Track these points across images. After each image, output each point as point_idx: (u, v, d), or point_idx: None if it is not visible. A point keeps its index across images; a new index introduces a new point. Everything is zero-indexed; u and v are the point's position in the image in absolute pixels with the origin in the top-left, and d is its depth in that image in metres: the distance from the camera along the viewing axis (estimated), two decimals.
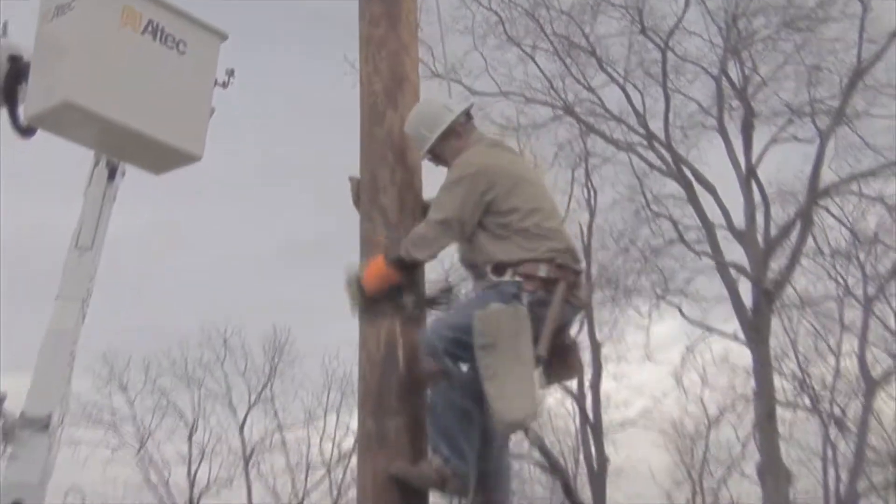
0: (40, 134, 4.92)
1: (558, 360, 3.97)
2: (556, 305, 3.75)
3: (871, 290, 26.75)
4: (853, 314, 28.24)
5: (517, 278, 3.81)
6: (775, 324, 26.41)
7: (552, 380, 4.06)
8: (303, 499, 40.90)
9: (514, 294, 3.78)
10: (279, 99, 46.89)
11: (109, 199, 13.06)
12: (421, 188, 4.30)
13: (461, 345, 3.73)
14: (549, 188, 4.36)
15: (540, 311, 3.75)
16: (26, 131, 4.87)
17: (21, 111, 4.80)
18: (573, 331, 4.93)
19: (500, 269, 3.86)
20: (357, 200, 4.28)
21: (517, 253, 3.86)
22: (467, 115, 4.29)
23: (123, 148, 5.20)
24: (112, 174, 13.13)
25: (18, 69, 4.87)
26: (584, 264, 4.12)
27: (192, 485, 41.19)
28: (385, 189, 4.14)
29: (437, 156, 4.18)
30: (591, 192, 29.35)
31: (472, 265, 4.13)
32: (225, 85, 8.06)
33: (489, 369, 3.63)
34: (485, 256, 4.00)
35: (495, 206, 3.93)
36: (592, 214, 29.58)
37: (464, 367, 3.81)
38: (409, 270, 4.05)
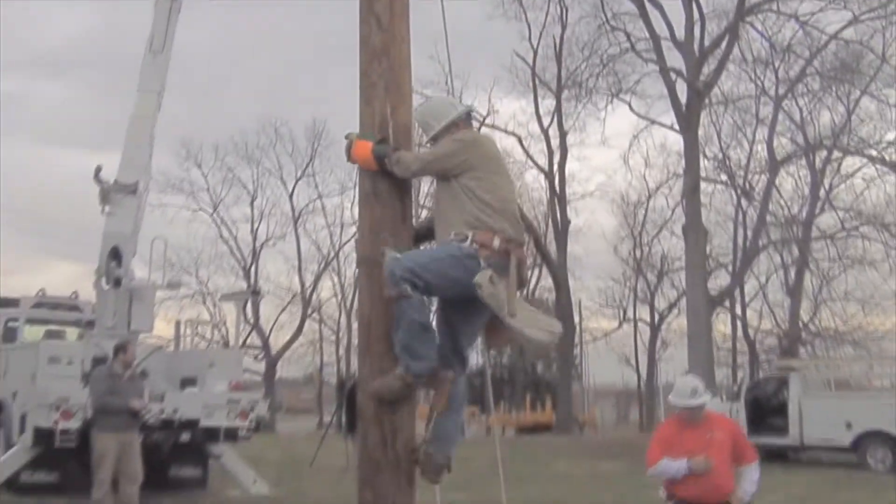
0: None
1: (496, 332, 3.90)
2: (513, 271, 3.61)
3: (781, 91, 26.43)
4: (766, 110, 28.07)
5: (474, 245, 3.63)
6: (704, 117, 26.38)
7: (491, 345, 4.11)
8: (339, 249, 41.99)
9: (473, 255, 3.61)
10: None
11: (175, 11, 12.78)
12: None
13: (417, 276, 3.58)
14: (514, 180, 4.18)
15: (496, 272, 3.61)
16: None
17: None
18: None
19: (461, 237, 3.68)
20: (349, 156, 3.98)
21: (478, 215, 3.70)
22: (468, 114, 4.09)
23: None
24: None
25: None
26: (526, 248, 3.86)
27: (254, 239, 42.27)
28: None
29: (438, 143, 3.96)
30: (563, 10, 28.77)
31: (441, 221, 3.92)
32: None
33: (508, 312, 3.55)
34: (448, 217, 3.83)
35: (474, 171, 3.77)
36: (564, 28, 29.08)
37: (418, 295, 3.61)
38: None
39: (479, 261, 3.64)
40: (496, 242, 3.67)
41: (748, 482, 5.16)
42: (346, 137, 4.07)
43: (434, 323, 3.83)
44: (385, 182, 3.95)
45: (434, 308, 3.83)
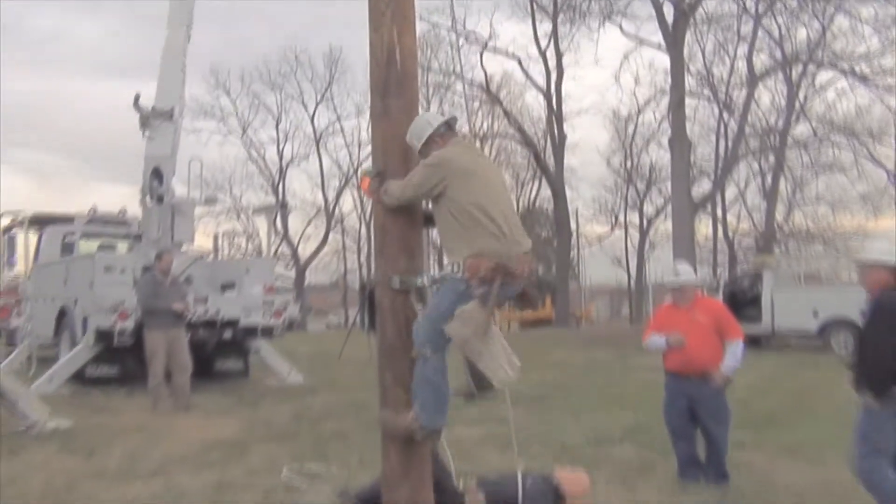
0: None
1: (524, 299, 3.83)
2: (492, 297, 3.53)
3: (761, 9, 25.69)
4: (747, 28, 27.36)
5: (466, 274, 3.58)
6: (688, 36, 25.74)
7: (521, 308, 4.09)
8: (357, 167, 41.88)
9: (465, 289, 3.58)
10: None
11: None
12: None
13: (439, 335, 3.60)
14: (503, 183, 4.07)
15: (487, 291, 3.57)
16: None
17: None
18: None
19: (454, 263, 3.67)
20: (363, 188, 3.97)
21: (465, 246, 3.62)
22: (448, 125, 3.88)
23: None
24: None
25: None
26: (524, 246, 3.72)
27: (280, 158, 42.39)
28: None
29: (425, 156, 3.80)
30: None
31: (441, 239, 3.88)
32: None
33: (473, 355, 3.60)
34: (444, 240, 3.81)
35: (450, 189, 3.64)
36: None
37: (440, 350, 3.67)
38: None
39: (471, 291, 3.59)
40: (482, 271, 3.58)
41: (730, 356, 5.36)
42: (363, 171, 4.05)
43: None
44: (394, 100, 3.91)
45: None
